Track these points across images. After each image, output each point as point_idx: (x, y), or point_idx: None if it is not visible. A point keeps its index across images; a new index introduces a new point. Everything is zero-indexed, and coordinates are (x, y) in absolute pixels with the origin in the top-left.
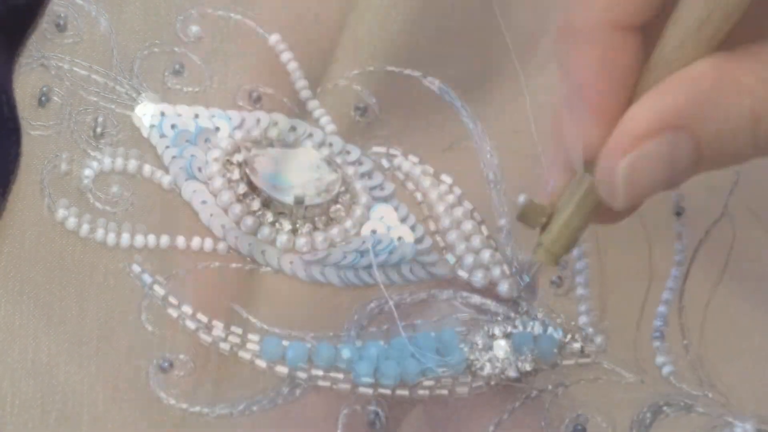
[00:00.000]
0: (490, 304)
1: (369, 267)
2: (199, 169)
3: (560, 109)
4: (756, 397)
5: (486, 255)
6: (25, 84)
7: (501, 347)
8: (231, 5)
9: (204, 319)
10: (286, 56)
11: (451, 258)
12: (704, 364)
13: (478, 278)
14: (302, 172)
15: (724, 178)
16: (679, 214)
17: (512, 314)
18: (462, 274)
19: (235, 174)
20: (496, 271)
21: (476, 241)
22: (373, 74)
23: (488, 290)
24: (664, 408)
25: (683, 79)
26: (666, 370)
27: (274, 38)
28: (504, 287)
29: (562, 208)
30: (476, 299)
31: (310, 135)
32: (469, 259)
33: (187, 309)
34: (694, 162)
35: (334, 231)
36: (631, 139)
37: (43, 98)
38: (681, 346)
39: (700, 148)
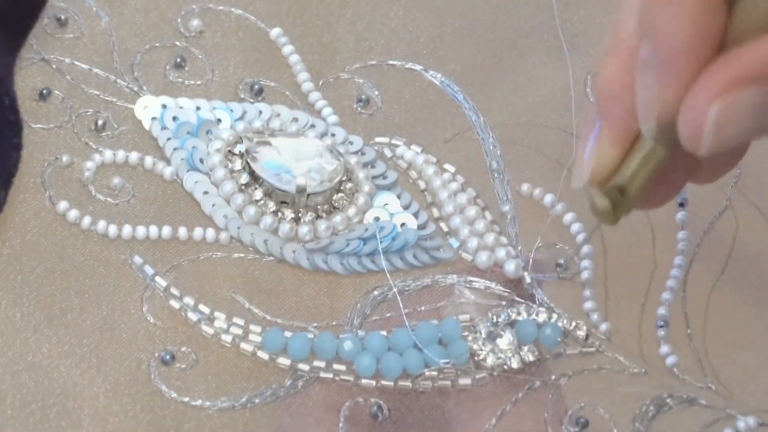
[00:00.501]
0: (495, 287)
1: (372, 254)
2: (201, 161)
3: (610, 81)
4: (758, 390)
5: (490, 238)
6: (26, 78)
7: (504, 338)
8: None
9: (206, 310)
10: (287, 49)
11: (454, 242)
12: (707, 354)
13: (483, 260)
14: (304, 161)
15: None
16: (682, 204)
17: (517, 298)
18: (466, 256)
19: (237, 164)
20: (501, 253)
21: (480, 225)
22: (374, 67)
23: (493, 273)
24: (667, 400)
25: None
26: (670, 360)
27: (275, 32)
28: (510, 267)
29: (623, 172)
30: (481, 283)
31: (313, 126)
32: (473, 242)
33: (189, 300)
34: None
35: (337, 219)
36: (723, 85)
37: (44, 92)
38: (684, 334)
39: None
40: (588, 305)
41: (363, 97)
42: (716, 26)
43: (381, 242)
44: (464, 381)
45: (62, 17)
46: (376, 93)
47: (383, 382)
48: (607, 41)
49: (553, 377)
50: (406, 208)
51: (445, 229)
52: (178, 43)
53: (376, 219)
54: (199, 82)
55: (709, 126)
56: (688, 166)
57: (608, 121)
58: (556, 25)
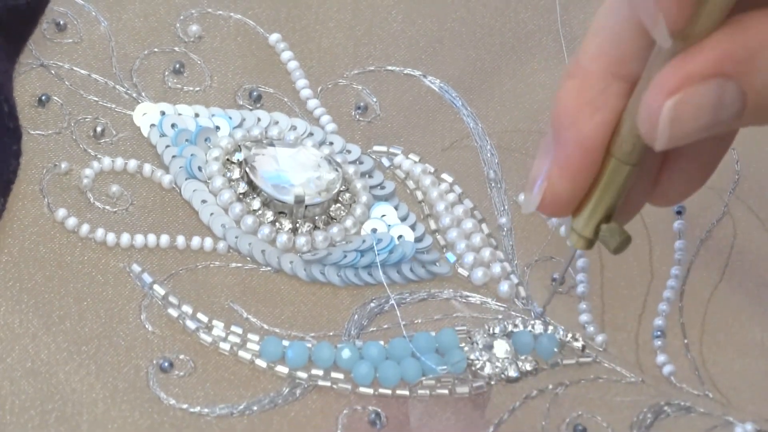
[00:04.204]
0: (491, 303)
1: (369, 267)
2: (199, 169)
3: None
4: (756, 397)
5: (486, 253)
6: (25, 84)
7: (501, 347)
8: (231, 4)
9: (204, 318)
10: (286, 55)
11: (451, 256)
12: (705, 363)
13: (479, 276)
14: (302, 171)
15: (725, 178)
16: (680, 212)
17: (513, 312)
18: (462, 272)
19: (235, 173)
20: (497, 269)
21: (476, 239)
22: (373, 73)
23: (488, 289)
24: (665, 408)
25: (737, 28)
26: (666, 369)
27: (274, 37)
28: (504, 288)
29: (592, 194)
30: (476, 298)
31: (311, 134)
32: (470, 258)
33: (187, 309)
34: (738, 112)
35: (335, 230)
36: (680, 80)
37: (43, 98)
38: (682, 345)
39: (746, 98)
40: (584, 318)
41: (361, 104)
42: (615, 106)
43: (378, 254)
44: (462, 389)
45: (61, 22)
46: (375, 100)
47: (381, 391)
48: (568, 66)
49: (551, 386)
50: (403, 219)
51: (442, 242)
52: (177, 48)
53: (374, 230)
54: (197, 88)
55: (663, 121)
56: (645, 186)
57: (563, 147)
58: (558, 29)
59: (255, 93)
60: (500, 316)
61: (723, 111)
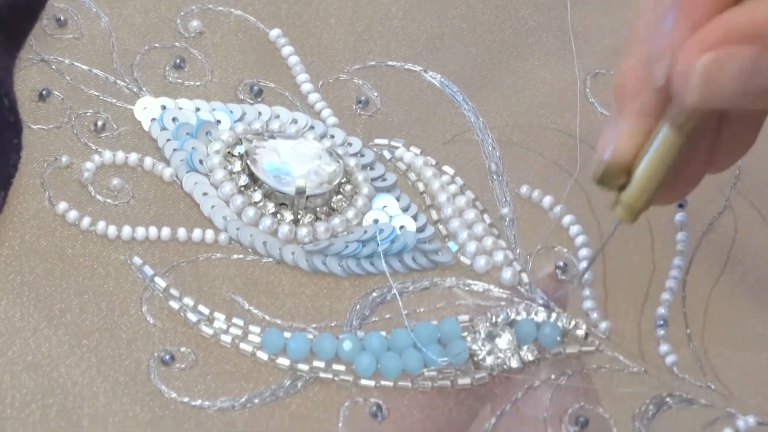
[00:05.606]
0: (494, 290)
1: (371, 256)
2: (200, 162)
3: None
4: (758, 391)
5: (488, 241)
6: (26, 79)
7: (504, 337)
8: (232, 0)
9: (205, 311)
10: (287, 50)
11: (453, 245)
12: (707, 353)
13: (481, 264)
14: (303, 163)
15: (727, 173)
16: (681, 205)
17: (516, 299)
18: (464, 260)
19: (236, 166)
20: (499, 257)
21: (478, 228)
22: (374, 68)
23: (491, 276)
24: (667, 399)
25: None
26: (669, 359)
27: (274, 33)
28: (507, 274)
29: (641, 164)
30: (479, 286)
31: (312, 127)
32: (472, 246)
33: (188, 301)
34: None
35: (336, 221)
36: (718, 37)
37: (44, 92)
38: (684, 334)
39: None
40: (587, 304)
41: (362, 98)
42: None
43: (380, 245)
44: (464, 381)
45: (62, 18)
46: (376, 94)
47: (383, 382)
48: (626, 41)
49: (553, 376)
50: (405, 210)
51: (444, 232)
52: (177, 43)
53: (375, 221)
54: (198, 83)
55: (696, 76)
56: (704, 154)
57: (625, 118)
58: (568, 24)
59: (256, 87)
60: (503, 303)
61: (760, 77)
